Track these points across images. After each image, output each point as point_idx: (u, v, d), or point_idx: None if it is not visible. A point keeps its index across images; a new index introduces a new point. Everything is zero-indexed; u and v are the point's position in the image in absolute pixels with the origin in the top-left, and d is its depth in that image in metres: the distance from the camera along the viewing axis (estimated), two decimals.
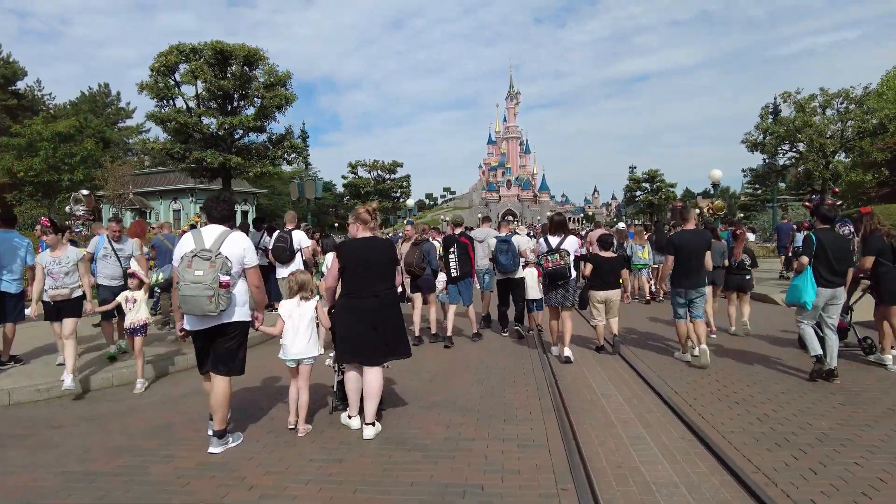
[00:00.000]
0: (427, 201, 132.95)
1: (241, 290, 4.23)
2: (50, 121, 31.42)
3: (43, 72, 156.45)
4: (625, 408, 5.11)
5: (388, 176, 32.37)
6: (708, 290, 8.05)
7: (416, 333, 8.16)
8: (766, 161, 16.24)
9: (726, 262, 8.35)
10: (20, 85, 43.90)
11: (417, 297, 8.31)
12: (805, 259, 5.88)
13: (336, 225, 39.18)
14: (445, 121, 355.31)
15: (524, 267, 8.46)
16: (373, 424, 4.48)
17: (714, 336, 8.11)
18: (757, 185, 55.62)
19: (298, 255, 8.90)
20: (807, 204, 22.64)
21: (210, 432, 4.32)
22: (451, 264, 8.32)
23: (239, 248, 4.15)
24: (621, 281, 7.95)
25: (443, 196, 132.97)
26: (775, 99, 17.09)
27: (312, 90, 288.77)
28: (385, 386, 4.81)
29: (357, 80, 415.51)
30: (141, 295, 6.07)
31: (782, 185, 26.25)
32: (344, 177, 33.94)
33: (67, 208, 23.22)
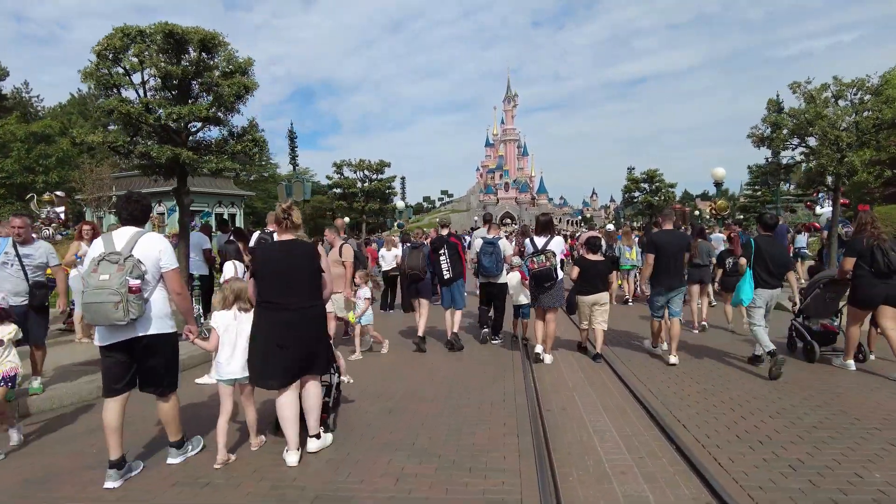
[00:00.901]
0: (425, 204, 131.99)
1: (159, 298, 3.83)
2: (28, 121, 30.38)
3: (40, 76, 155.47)
4: (622, 452, 4.11)
5: (375, 176, 31.07)
6: (695, 288, 8.92)
7: (420, 334, 7.93)
8: (769, 160, 15.29)
9: (713, 261, 8.50)
10: (6, 86, 42.92)
11: (424, 302, 8.12)
12: (743, 261, 6.55)
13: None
14: (444, 124, 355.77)
15: (508, 271, 7.95)
16: (317, 437, 4.04)
17: (696, 332, 8.70)
18: (757, 187, 54.74)
19: None
20: (808, 204, 21.64)
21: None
22: (442, 266, 7.90)
23: (154, 249, 3.76)
24: (619, 283, 7.60)
25: (440, 199, 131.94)
26: (777, 96, 16.39)
27: (312, 93, 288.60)
28: (340, 413, 4.46)
29: (357, 83, 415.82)
30: (7, 335, 4.48)
31: (787, 185, 25.29)
32: (329, 177, 32.57)
33: (43, 212, 22.31)
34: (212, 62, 8.83)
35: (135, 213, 3.90)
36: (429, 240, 9.12)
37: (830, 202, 16.80)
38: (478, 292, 8.84)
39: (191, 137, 9.23)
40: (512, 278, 7.84)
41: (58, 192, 22.43)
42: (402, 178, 45.68)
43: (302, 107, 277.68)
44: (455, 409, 5.14)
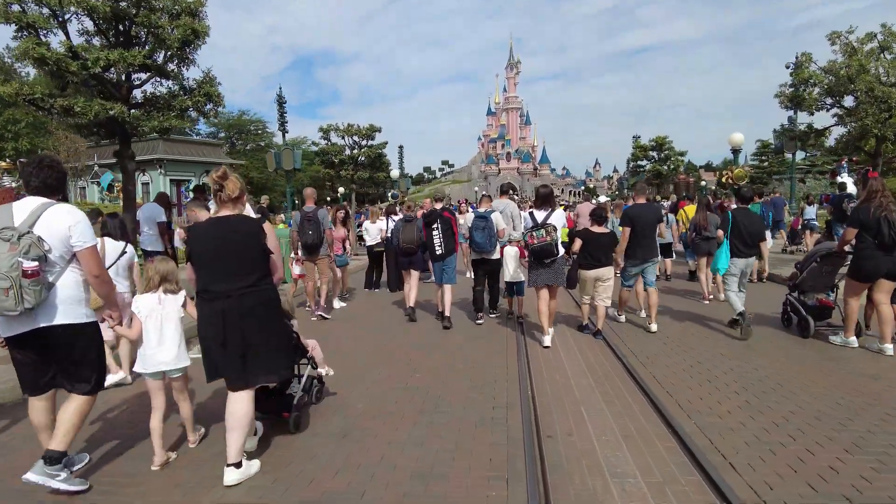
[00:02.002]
0: (425, 175, 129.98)
1: (70, 282, 3.20)
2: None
3: None
4: None
5: (365, 142, 29.23)
6: (703, 260, 9.19)
7: (411, 304, 7.99)
8: (786, 127, 13.87)
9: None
10: None
11: (415, 273, 8.05)
12: (720, 233, 7.02)
13: (329, 199, 36.76)
14: (446, 95, 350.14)
15: (504, 247, 7.62)
16: (237, 465, 3.30)
17: (706, 303, 8.70)
18: (764, 157, 52.82)
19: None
20: (833, 174, 20.26)
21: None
22: (434, 241, 7.65)
23: (62, 225, 3.10)
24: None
25: (441, 169, 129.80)
26: (797, 57, 14.84)
27: (311, 64, 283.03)
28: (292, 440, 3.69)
29: (357, 52, 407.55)
30: None
31: (805, 154, 23.67)
32: (315, 143, 30.81)
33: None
34: (156, 1, 7.43)
35: (48, 181, 3.23)
36: (421, 212, 8.65)
37: (849, 172, 15.53)
38: (469, 274, 8.38)
39: (135, 92, 7.89)
40: (509, 251, 7.52)
41: (22, 160, 21.08)
42: (400, 147, 43.02)
43: (302, 77, 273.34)
44: (427, 434, 3.93)
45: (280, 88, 24.25)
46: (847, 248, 5.97)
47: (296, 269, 8.50)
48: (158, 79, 8.20)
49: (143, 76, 7.92)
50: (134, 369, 3.88)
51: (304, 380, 4.28)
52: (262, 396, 4.16)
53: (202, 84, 8.15)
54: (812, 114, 11.50)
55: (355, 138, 29.48)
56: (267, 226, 3.50)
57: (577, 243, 6.74)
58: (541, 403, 4.46)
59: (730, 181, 14.45)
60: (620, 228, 7.27)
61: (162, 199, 9.41)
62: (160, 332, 3.63)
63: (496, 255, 7.65)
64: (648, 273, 7.15)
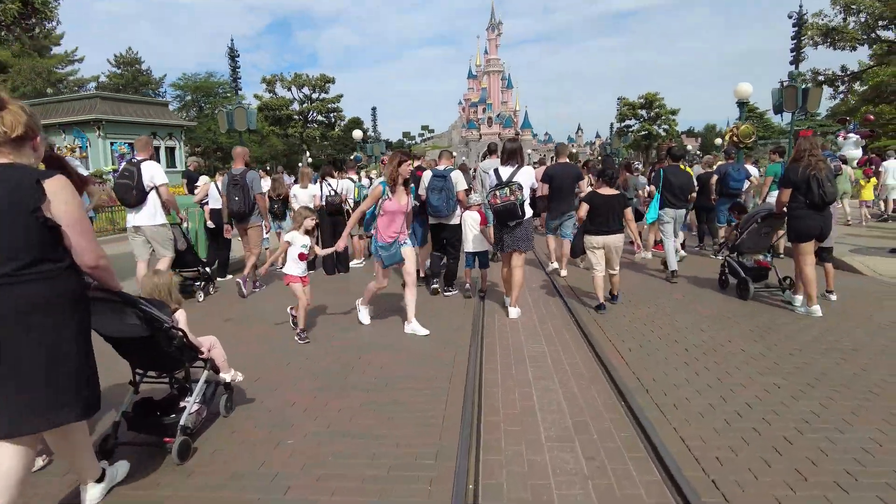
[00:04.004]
0: (405, 140, 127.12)
1: None
2: None
3: None
4: None
5: (317, 95, 26.92)
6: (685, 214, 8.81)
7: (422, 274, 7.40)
8: (786, 84, 12.93)
9: (693, 195, 8.60)
10: None
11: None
12: (652, 188, 8.04)
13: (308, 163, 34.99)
14: (427, 58, 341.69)
15: (464, 210, 6.94)
16: None
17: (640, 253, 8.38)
18: (749, 121, 51.76)
19: (153, 197, 6.37)
20: (842, 134, 19.26)
21: None
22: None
23: None
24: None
25: (421, 134, 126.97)
26: (801, 6, 13.76)
27: (288, 25, 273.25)
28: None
29: (336, 14, 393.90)
30: None
31: (802, 115, 22.73)
32: (258, 96, 28.37)
33: None
34: None
35: None
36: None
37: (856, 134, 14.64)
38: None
39: None
40: (470, 220, 6.70)
41: None
42: (373, 109, 40.62)
43: (278, 39, 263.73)
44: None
45: (232, 41, 22.18)
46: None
47: (295, 270, 5.35)
48: None
49: None
50: None
51: (198, 389, 3.34)
52: (141, 412, 3.30)
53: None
54: (854, 48, 10.29)
55: (305, 90, 26.90)
56: (55, 182, 2.22)
57: (584, 208, 6.15)
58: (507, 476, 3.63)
59: (735, 139, 13.24)
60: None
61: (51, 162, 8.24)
62: None
63: (455, 220, 7.00)
64: (565, 226, 7.89)
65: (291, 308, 5.64)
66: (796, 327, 5.32)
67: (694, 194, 8.40)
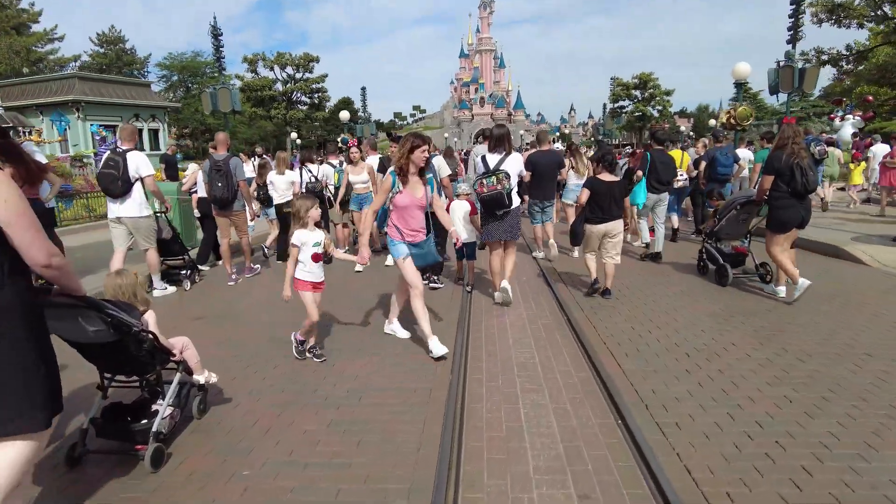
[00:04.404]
0: (396, 121, 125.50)
1: None
2: None
3: None
4: None
5: (301, 75, 26.03)
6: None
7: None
8: (784, 63, 12.46)
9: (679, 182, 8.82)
10: None
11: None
12: (640, 173, 7.85)
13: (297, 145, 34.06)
14: (419, 37, 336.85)
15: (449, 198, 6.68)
16: None
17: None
18: (743, 103, 51.18)
19: (138, 188, 6.28)
20: (834, 116, 18.86)
21: None
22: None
23: None
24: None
25: (412, 115, 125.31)
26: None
27: (278, 2, 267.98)
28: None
29: None
30: None
31: (794, 96, 22.34)
32: (239, 76, 27.46)
33: None
34: None
35: None
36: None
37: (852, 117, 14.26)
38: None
39: None
40: (457, 209, 6.41)
41: None
42: (363, 89, 39.38)
43: (267, 18, 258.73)
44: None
45: (214, 18, 21.27)
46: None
47: (308, 276, 4.38)
48: None
49: None
50: None
51: (171, 392, 3.15)
52: (110, 417, 3.11)
53: None
54: (861, 26, 9.81)
55: (288, 70, 25.99)
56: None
57: (585, 194, 6.03)
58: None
59: (732, 121, 12.74)
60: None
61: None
62: None
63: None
64: (546, 213, 8.12)
65: (296, 333, 4.51)
66: (802, 327, 4.97)
67: (678, 178, 8.56)
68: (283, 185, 8.33)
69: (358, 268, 7.24)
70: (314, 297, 4.35)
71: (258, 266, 8.00)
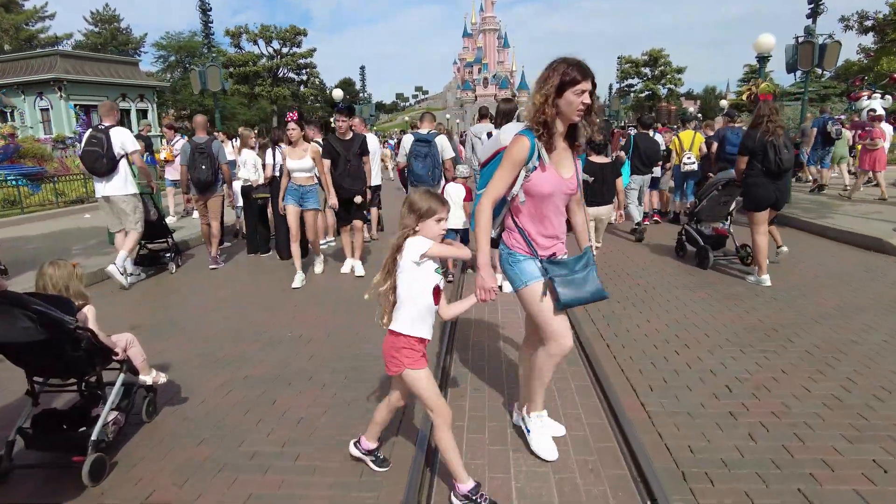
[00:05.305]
0: (399, 102, 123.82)
1: None
2: None
3: None
4: None
5: (288, 49, 24.55)
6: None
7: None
8: (802, 39, 11.35)
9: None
10: None
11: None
12: (623, 154, 8.12)
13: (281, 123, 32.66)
14: (422, 17, 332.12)
15: (448, 182, 6.21)
16: None
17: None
18: (752, 82, 49.69)
19: (124, 165, 6.09)
20: (853, 95, 17.70)
21: None
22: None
23: None
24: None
25: (415, 96, 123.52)
26: None
27: None
28: None
29: None
30: None
31: (801, 75, 21.04)
32: (221, 52, 25.86)
33: None
34: None
35: None
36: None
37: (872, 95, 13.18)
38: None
39: None
40: (454, 194, 5.77)
41: None
42: (362, 68, 37.64)
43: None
44: None
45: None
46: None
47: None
48: None
49: None
50: None
51: (113, 395, 2.85)
52: (43, 427, 2.75)
53: None
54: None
55: (274, 45, 24.39)
56: None
57: None
58: None
59: (754, 98, 11.51)
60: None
61: None
62: None
63: (438, 191, 6.06)
64: None
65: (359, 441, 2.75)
66: (862, 356, 4.02)
67: (686, 162, 8.65)
68: (249, 166, 7.43)
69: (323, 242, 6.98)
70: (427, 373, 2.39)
71: (223, 263, 7.30)
